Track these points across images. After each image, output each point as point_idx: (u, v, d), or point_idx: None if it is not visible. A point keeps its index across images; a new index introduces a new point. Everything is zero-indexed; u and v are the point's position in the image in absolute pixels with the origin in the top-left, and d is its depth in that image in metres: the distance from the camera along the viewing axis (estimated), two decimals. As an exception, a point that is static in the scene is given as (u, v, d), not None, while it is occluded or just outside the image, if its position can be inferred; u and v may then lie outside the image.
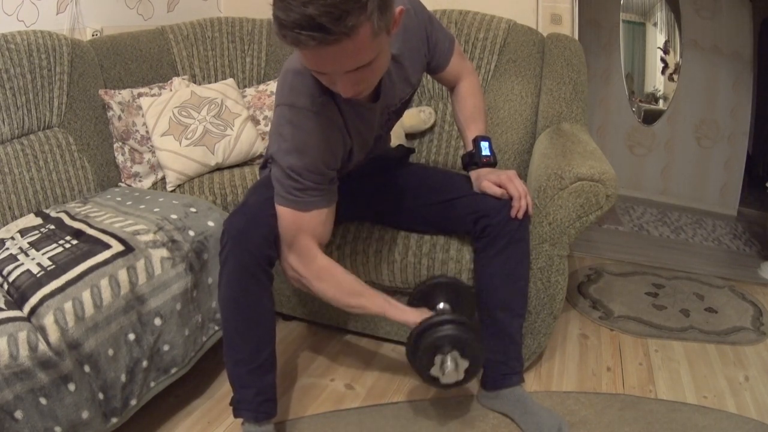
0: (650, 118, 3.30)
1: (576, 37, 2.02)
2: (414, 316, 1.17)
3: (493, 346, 1.33)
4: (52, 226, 1.33)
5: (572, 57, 1.77)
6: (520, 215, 1.23)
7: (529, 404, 1.31)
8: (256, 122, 1.91)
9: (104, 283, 1.12)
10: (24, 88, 1.54)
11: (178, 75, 2.00)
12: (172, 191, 1.71)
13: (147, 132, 1.77)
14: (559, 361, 1.60)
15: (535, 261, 1.36)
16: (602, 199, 1.29)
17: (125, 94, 1.79)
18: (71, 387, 1.03)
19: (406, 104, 1.32)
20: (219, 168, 1.79)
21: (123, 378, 1.15)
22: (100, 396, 1.10)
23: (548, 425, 1.26)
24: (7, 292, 1.12)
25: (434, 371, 1.15)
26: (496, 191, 1.25)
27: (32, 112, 1.57)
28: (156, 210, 1.38)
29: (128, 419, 1.19)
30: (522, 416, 1.31)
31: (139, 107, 1.78)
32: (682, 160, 3.29)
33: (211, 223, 1.40)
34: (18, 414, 0.96)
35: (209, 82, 2.04)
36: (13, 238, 1.31)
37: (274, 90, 1.21)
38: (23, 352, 0.96)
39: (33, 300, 1.05)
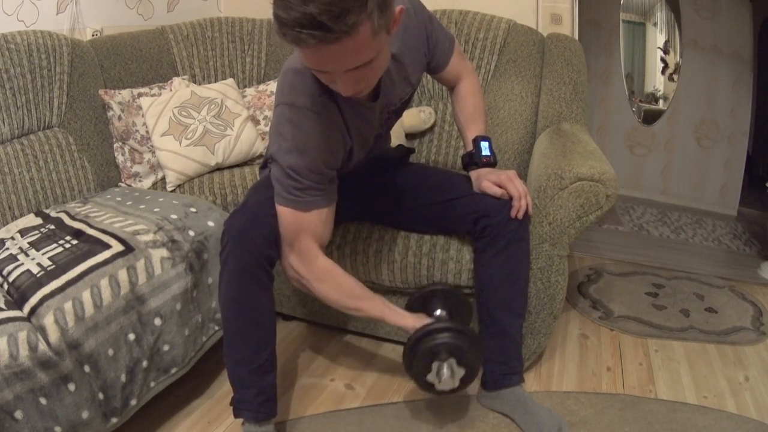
0: (650, 118, 3.30)
1: (576, 37, 2.02)
2: (413, 321, 1.17)
3: (493, 346, 1.33)
4: (52, 226, 1.33)
5: (572, 57, 1.77)
6: (520, 215, 1.23)
7: (529, 404, 1.31)
8: (256, 122, 1.91)
9: (104, 283, 1.12)
10: (24, 88, 1.54)
11: (178, 75, 2.00)
12: (172, 191, 1.71)
13: (147, 132, 1.77)
14: (559, 361, 1.60)
15: (535, 261, 1.36)
16: (602, 199, 1.29)
17: (125, 94, 1.79)
18: (71, 387, 1.03)
19: (406, 104, 1.32)
20: (219, 168, 1.79)
21: (123, 378, 1.15)
22: (100, 396, 1.10)
23: (548, 425, 1.26)
24: (7, 292, 1.12)
25: (430, 377, 1.16)
26: (496, 191, 1.25)
27: (32, 112, 1.57)
28: (156, 210, 1.38)
29: (128, 419, 1.19)
30: (522, 416, 1.31)
31: (139, 107, 1.78)
32: (682, 160, 3.29)
33: (211, 223, 1.40)
34: (18, 414, 0.96)
35: (209, 82, 2.04)
36: (13, 238, 1.31)
37: (274, 90, 1.21)
38: (23, 352, 0.96)
39: (33, 300, 1.05)
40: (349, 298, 1.19)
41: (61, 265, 1.13)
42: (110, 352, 1.12)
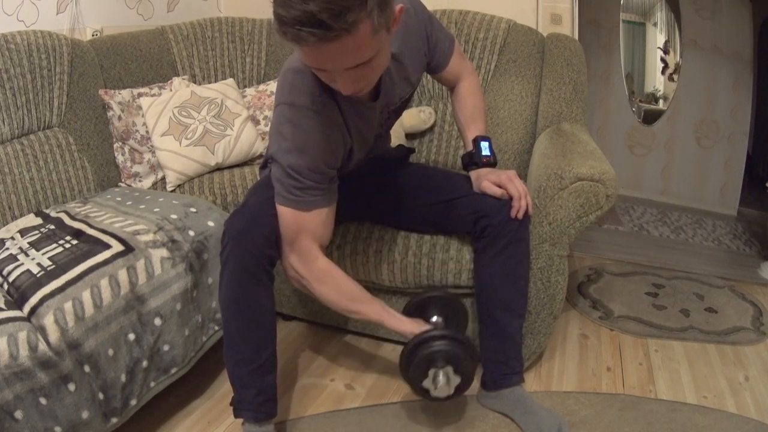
0: (650, 118, 3.30)
1: (576, 37, 2.02)
2: (411, 326, 1.17)
3: (493, 346, 1.33)
4: (52, 226, 1.33)
5: (572, 57, 1.77)
6: (520, 215, 1.23)
7: (529, 404, 1.31)
8: (256, 122, 1.91)
9: (104, 283, 1.12)
10: (24, 88, 1.54)
11: (178, 75, 2.00)
12: (172, 191, 1.71)
13: (147, 132, 1.77)
14: (559, 361, 1.60)
15: (535, 261, 1.35)
16: (602, 199, 1.29)
17: (125, 94, 1.79)
18: (71, 387, 1.03)
19: (405, 103, 1.32)
20: (219, 168, 1.79)
21: (123, 378, 1.15)
22: (100, 396, 1.10)
23: (548, 425, 1.26)
24: (7, 292, 1.12)
25: (426, 383, 1.16)
26: (496, 191, 1.25)
27: (32, 112, 1.57)
28: (156, 210, 1.38)
29: (128, 419, 1.19)
30: (522, 416, 1.31)
31: (139, 107, 1.78)
32: (682, 160, 3.29)
33: (211, 223, 1.40)
34: (18, 414, 0.96)
35: (209, 82, 2.04)
36: (13, 238, 1.31)
37: (274, 90, 1.21)
38: (23, 352, 0.96)
39: (33, 300, 1.05)
40: (348, 300, 1.19)
41: (61, 265, 1.13)
42: (110, 352, 1.12)
